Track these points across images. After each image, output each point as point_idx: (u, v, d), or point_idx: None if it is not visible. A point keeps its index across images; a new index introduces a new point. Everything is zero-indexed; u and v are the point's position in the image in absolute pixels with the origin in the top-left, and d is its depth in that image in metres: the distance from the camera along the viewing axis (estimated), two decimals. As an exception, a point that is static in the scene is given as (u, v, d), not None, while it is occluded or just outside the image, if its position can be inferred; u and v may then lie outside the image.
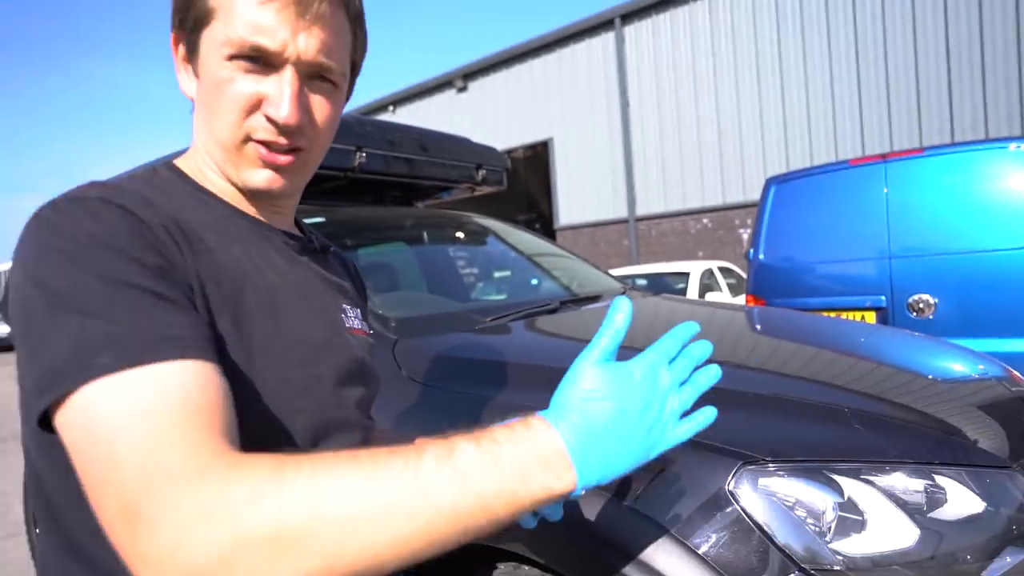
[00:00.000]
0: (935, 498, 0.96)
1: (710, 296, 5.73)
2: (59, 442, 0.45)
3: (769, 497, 0.90)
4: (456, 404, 1.25)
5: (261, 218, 0.66)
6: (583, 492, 0.50)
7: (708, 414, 0.59)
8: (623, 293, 2.33)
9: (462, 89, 14.82)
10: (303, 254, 0.69)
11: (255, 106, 0.57)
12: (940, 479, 0.98)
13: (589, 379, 0.53)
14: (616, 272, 7.18)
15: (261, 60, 0.56)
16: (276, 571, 0.39)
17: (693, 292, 5.86)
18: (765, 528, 0.88)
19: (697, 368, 0.60)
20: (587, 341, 1.38)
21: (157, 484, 0.39)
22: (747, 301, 3.91)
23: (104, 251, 0.47)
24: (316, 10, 0.56)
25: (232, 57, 0.56)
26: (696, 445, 0.97)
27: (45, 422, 0.45)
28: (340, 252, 0.86)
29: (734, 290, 6.38)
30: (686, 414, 0.58)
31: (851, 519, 0.91)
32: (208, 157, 0.63)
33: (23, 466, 2.61)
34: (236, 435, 0.45)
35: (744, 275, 6.54)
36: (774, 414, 1.08)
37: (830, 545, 0.88)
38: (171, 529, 0.39)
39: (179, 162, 0.65)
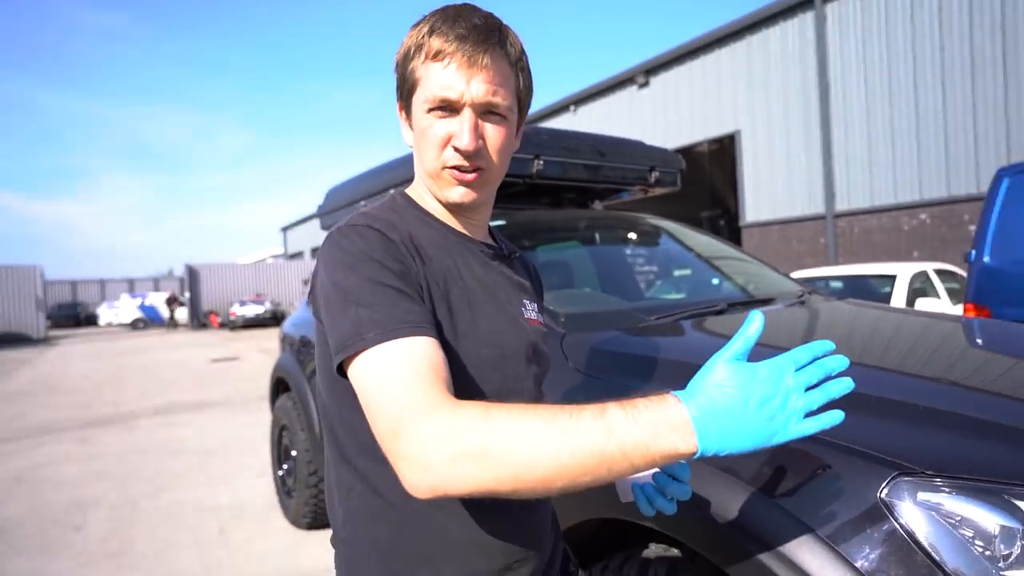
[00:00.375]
0: None
1: (921, 303, 5.02)
2: (346, 385, 0.72)
3: (930, 513, 0.88)
4: (614, 394, 1.36)
5: (465, 232, 0.87)
6: (703, 456, 0.61)
7: (834, 416, 0.64)
8: (801, 296, 2.24)
9: (643, 85, 14.61)
10: (494, 260, 0.90)
11: (447, 141, 0.78)
12: None
13: (719, 372, 0.63)
14: (808, 273, 6.62)
15: (448, 107, 0.77)
16: (480, 474, 0.59)
17: (900, 298, 5.18)
18: (927, 547, 0.86)
19: (830, 378, 0.66)
20: (759, 344, 1.47)
21: (408, 415, 0.62)
22: (966, 310, 3.42)
23: (370, 262, 0.73)
24: (481, 63, 0.75)
25: (430, 110, 0.77)
26: (851, 450, 0.97)
27: (340, 372, 0.71)
28: (523, 256, 1.05)
29: (956, 296, 5.51)
30: (812, 414, 0.64)
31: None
32: (424, 185, 0.86)
33: (270, 421, 3.25)
34: (452, 387, 0.67)
35: (970, 280, 5.66)
36: (947, 428, 1.02)
37: (1005, 574, 0.83)
38: (418, 443, 0.61)
39: (408, 191, 0.89)
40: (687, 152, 14.56)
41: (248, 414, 6.93)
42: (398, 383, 0.64)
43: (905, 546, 0.87)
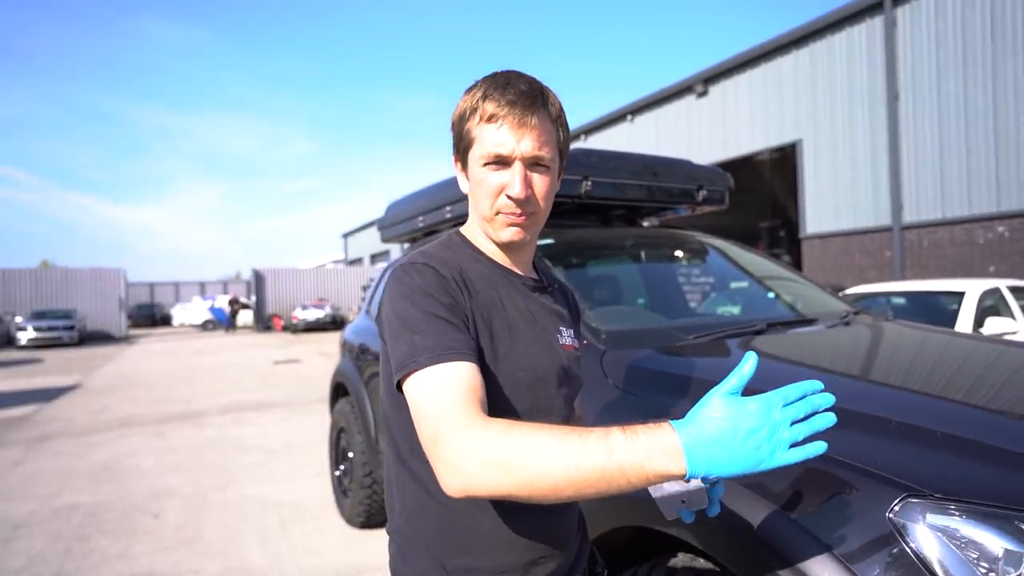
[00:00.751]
0: None
1: (991, 322, 4.79)
2: (402, 397, 0.85)
3: (938, 535, 0.93)
4: (648, 411, 1.44)
5: (511, 267, 1.00)
6: (694, 478, 0.70)
7: (817, 447, 0.72)
8: (846, 317, 2.24)
9: (702, 94, 14.44)
10: (535, 291, 1.01)
11: (501, 191, 0.91)
12: None
13: (713, 404, 0.72)
14: (869, 288, 6.40)
15: (501, 161, 0.90)
16: (502, 480, 0.71)
17: (968, 317, 4.96)
18: (932, 566, 0.91)
19: (816, 413, 0.74)
20: (780, 361, 1.57)
21: (446, 426, 0.75)
22: (1033, 332, 3.27)
23: (425, 296, 0.86)
24: (529, 123, 0.88)
25: (485, 164, 0.91)
26: (865, 472, 1.03)
27: (398, 387, 0.84)
28: (564, 285, 1.17)
29: (1031, 316, 5.21)
30: (798, 444, 0.72)
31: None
32: (478, 226, 0.99)
33: (329, 423, 3.47)
34: (486, 406, 0.79)
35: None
36: (962, 452, 1.06)
37: (1008, 596, 0.87)
38: (453, 451, 0.73)
39: (463, 230, 1.03)
40: (747, 161, 14.27)
41: (308, 415, 7.27)
42: (441, 399, 0.77)
43: (914, 567, 0.92)
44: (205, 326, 30.45)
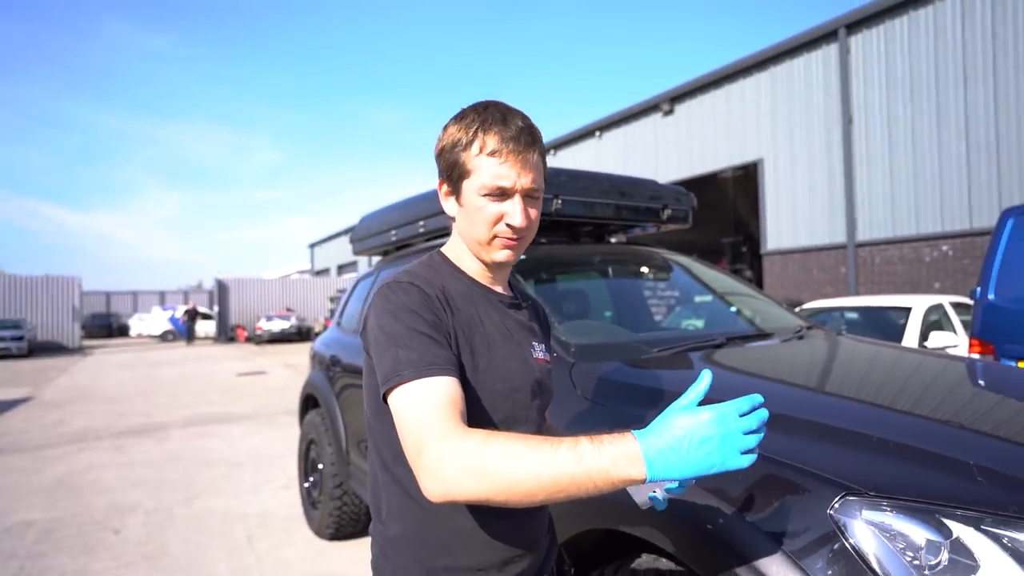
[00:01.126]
0: (1068, 560, 0.99)
1: (935, 336, 5.06)
2: (386, 408, 0.90)
3: (872, 528, 1.03)
4: (615, 421, 1.53)
5: (490, 285, 1.06)
6: (654, 482, 0.77)
7: (752, 457, 0.80)
8: (800, 331, 2.38)
9: (668, 112, 14.83)
10: (511, 308, 1.08)
11: (499, 219, 0.98)
12: (1075, 542, 1.00)
13: (671, 417, 0.80)
14: (825, 303, 6.67)
15: (501, 193, 0.96)
16: (479, 486, 0.77)
17: (914, 331, 5.23)
18: (865, 556, 1.01)
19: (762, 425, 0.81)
20: (738, 374, 1.70)
21: (428, 436, 0.80)
22: (971, 346, 3.50)
23: (409, 313, 0.91)
24: (530, 161, 0.97)
25: (485, 194, 0.97)
26: (810, 473, 1.13)
27: (384, 399, 0.89)
28: (536, 302, 1.24)
29: (970, 330, 5.53)
30: (750, 452, 0.80)
31: (963, 563, 0.99)
32: (465, 247, 1.05)
33: (298, 435, 3.49)
34: (465, 417, 0.85)
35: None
36: (895, 455, 1.18)
37: (930, 581, 0.98)
38: (434, 459, 0.79)
39: (444, 250, 1.09)
40: (711, 179, 14.69)
41: (274, 428, 7.18)
42: (423, 412, 0.82)
43: (852, 560, 1.02)
44: (164, 337, 29.62)
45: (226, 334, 27.18)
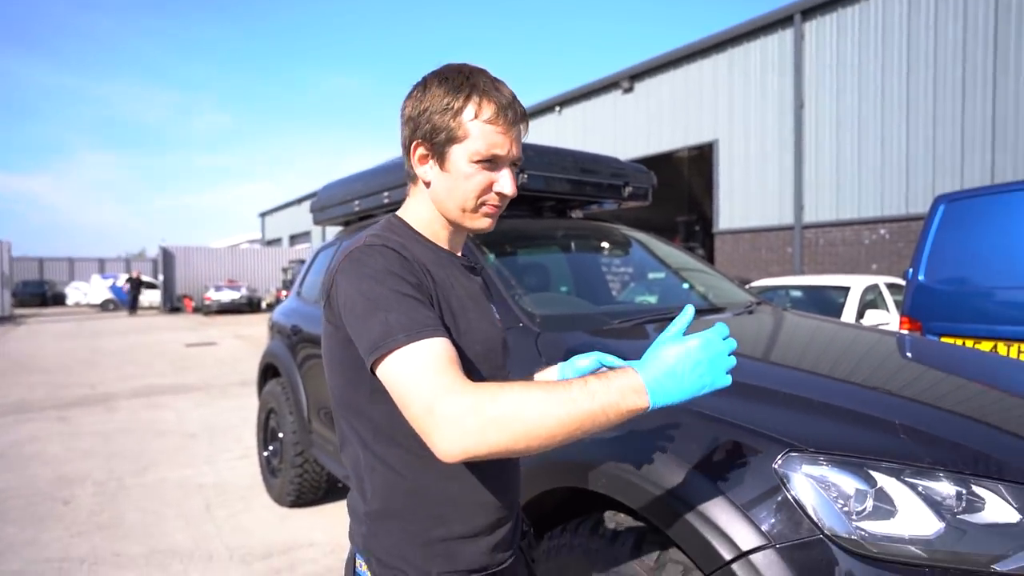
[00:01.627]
0: (973, 504, 1.14)
1: (870, 314, 5.40)
2: (363, 379, 0.88)
3: (809, 479, 1.15)
4: (579, 385, 1.61)
5: (451, 250, 1.05)
6: (656, 407, 0.82)
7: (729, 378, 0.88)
8: (750, 306, 2.52)
9: (628, 90, 14.95)
10: (469, 272, 1.08)
11: (488, 187, 0.97)
12: (980, 490, 1.15)
13: (661, 347, 0.85)
14: (772, 282, 6.98)
15: (493, 161, 0.96)
16: (502, 435, 0.75)
17: (852, 308, 5.56)
18: (802, 502, 1.14)
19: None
20: None
21: (440, 394, 0.77)
22: (901, 323, 3.77)
23: (392, 276, 0.87)
24: (521, 131, 0.98)
25: (477, 160, 0.95)
26: (757, 432, 1.25)
27: (371, 369, 0.84)
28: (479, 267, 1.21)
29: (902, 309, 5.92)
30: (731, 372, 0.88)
31: (884, 509, 1.13)
32: (434, 212, 1.02)
33: (257, 407, 3.49)
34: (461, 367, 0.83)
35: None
36: (830, 415, 1.31)
37: (855, 523, 1.11)
38: (452, 415, 0.75)
39: (400, 215, 1.05)
40: (668, 158, 14.95)
41: (227, 399, 7.07)
42: (428, 371, 0.78)
43: (792, 508, 1.14)
44: (106, 306, 28.37)
45: (172, 304, 26.27)
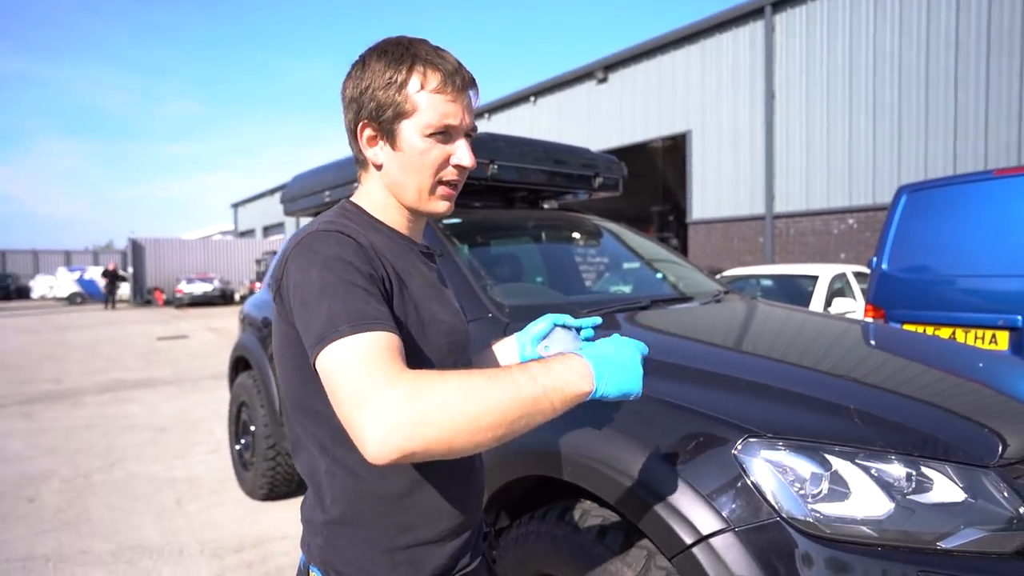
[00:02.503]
0: (922, 485, 1.18)
1: (837, 302, 5.53)
2: (304, 369, 0.81)
3: (767, 464, 1.19)
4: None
5: (409, 236, 0.99)
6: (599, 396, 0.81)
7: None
8: (718, 295, 2.56)
9: (602, 80, 14.97)
10: (428, 259, 1.01)
11: (446, 162, 0.91)
12: (928, 471, 1.19)
13: (607, 342, 0.86)
14: (743, 271, 7.10)
15: (447, 133, 0.90)
16: (441, 429, 0.67)
17: (820, 297, 5.69)
18: (760, 486, 1.17)
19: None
20: (659, 333, 1.82)
21: (372, 385, 0.69)
22: (866, 311, 3.86)
23: (342, 263, 0.80)
24: (472, 97, 0.93)
25: (431, 135, 0.89)
26: (715, 419, 1.28)
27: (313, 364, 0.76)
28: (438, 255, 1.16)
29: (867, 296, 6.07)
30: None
31: (839, 491, 1.16)
32: (389, 198, 0.95)
33: (228, 400, 3.42)
34: (407, 365, 0.75)
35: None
36: (788, 402, 1.34)
37: (811, 506, 1.14)
38: (384, 408, 0.67)
39: (355, 199, 0.98)
40: (641, 148, 15.02)
41: (198, 392, 6.96)
42: (364, 362, 0.71)
43: (751, 493, 1.17)
44: (73, 300, 27.65)
45: (143, 297, 25.70)
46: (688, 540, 1.18)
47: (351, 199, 0.99)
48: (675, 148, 14.97)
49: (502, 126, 17.57)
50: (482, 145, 2.59)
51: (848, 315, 5.22)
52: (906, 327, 3.59)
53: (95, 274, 28.61)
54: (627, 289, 3.19)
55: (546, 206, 3.52)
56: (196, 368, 8.74)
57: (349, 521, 0.89)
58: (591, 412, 1.47)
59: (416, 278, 0.94)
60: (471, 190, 2.94)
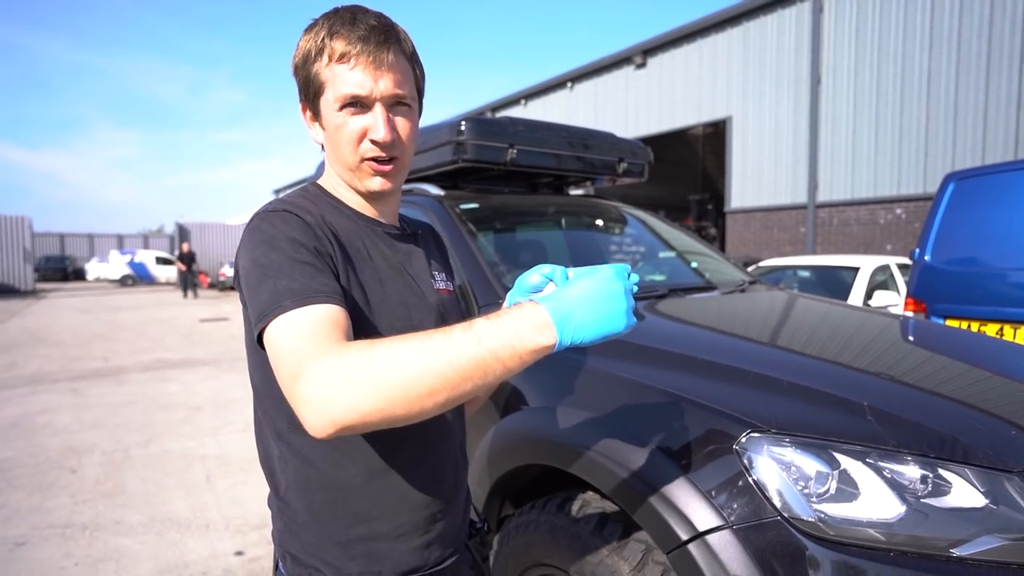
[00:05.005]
0: (939, 488, 1.11)
1: (879, 295, 5.30)
2: (263, 353, 0.77)
3: (771, 460, 1.13)
4: (560, 364, 1.58)
5: (375, 217, 0.95)
6: (564, 346, 0.70)
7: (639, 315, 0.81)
8: (742, 285, 2.48)
9: (641, 65, 14.65)
10: (401, 240, 0.97)
11: (363, 136, 0.85)
12: (946, 473, 1.12)
13: (575, 280, 0.74)
14: (781, 261, 6.88)
15: (359, 104, 0.84)
16: (374, 398, 0.65)
17: (860, 289, 5.46)
18: (762, 483, 1.12)
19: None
20: (681, 323, 1.72)
21: (306, 359, 0.68)
22: (906, 304, 3.69)
23: (289, 242, 0.79)
24: (386, 61, 0.83)
25: (342, 107, 0.84)
26: (719, 412, 1.22)
27: (260, 342, 0.76)
28: (432, 228, 1.12)
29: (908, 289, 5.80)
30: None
31: (847, 491, 1.10)
32: (339, 178, 0.93)
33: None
34: (351, 338, 0.73)
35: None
36: (797, 396, 1.27)
37: (816, 506, 1.09)
38: (315, 381, 0.66)
39: (320, 181, 0.96)
40: (681, 134, 14.69)
41: (235, 373, 7.17)
42: (301, 336, 0.70)
43: (752, 490, 1.12)
44: (124, 282, 28.82)
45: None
46: (684, 536, 1.14)
47: (317, 181, 0.97)
48: (716, 135, 14.61)
49: (538, 112, 17.42)
50: (501, 129, 2.56)
51: (888, 309, 5.00)
52: (949, 322, 3.41)
53: (145, 257, 29.69)
54: (660, 278, 3.12)
55: (576, 192, 3.46)
56: (234, 349, 9.00)
57: (304, 509, 0.87)
58: (591, 400, 1.44)
59: (375, 260, 0.90)
60: (493, 175, 2.91)
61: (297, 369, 0.68)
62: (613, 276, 0.73)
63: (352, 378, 0.65)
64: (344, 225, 0.89)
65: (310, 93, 0.87)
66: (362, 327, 0.82)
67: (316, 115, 0.90)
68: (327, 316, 0.72)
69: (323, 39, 0.84)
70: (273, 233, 0.80)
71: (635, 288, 0.79)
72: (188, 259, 20.72)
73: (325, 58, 0.84)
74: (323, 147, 0.93)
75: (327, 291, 0.75)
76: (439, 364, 0.66)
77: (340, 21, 0.84)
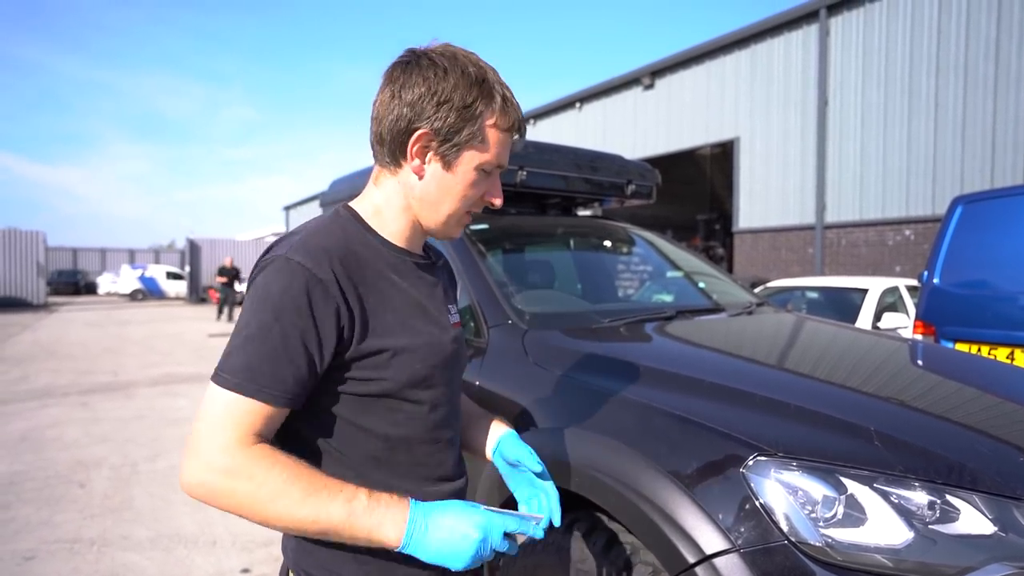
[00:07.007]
0: (947, 514, 1.11)
1: (888, 317, 5.27)
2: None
3: (778, 485, 1.14)
4: (563, 385, 1.61)
5: (406, 248, 0.95)
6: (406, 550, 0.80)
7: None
8: (749, 307, 2.49)
9: (649, 86, 14.80)
10: (423, 270, 0.98)
11: (482, 196, 0.94)
12: (954, 500, 1.12)
13: (453, 508, 0.83)
14: (789, 283, 6.86)
15: (492, 171, 0.93)
16: (236, 509, 0.77)
17: (869, 311, 5.44)
18: (769, 507, 1.12)
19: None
20: (689, 345, 1.73)
21: (203, 445, 0.77)
22: (915, 327, 3.68)
23: (277, 311, 0.80)
24: None
25: (481, 169, 0.90)
26: (726, 435, 1.23)
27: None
28: (445, 258, 1.14)
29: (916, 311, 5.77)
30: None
31: (854, 516, 1.11)
32: (401, 211, 0.93)
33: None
34: (268, 438, 0.81)
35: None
36: (804, 420, 1.28)
37: (823, 531, 1.09)
38: (200, 461, 0.77)
39: (354, 204, 0.95)
40: (689, 155, 14.77)
41: (243, 389, 7.19)
42: (221, 417, 0.78)
43: (759, 514, 1.13)
44: (135, 296, 29.06)
45: (197, 294, 26.79)
46: (691, 559, 1.14)
47: (351, 204, 0.96)
48: (723, 155, 14.67)
49: (547, 132, 17.57)
50: (512, 152, 2.60)
51: (897, 331, 4.98)
52: (958, 346, 3.40)
53: (156, 272, 29.94)
54: (668, 298, 3.13)
55: (586, 213, 3.49)
56: (243, 365, 9.02)
57: (308, 559, 0.91)
58: (600, 421, 1.45)
59: (396, 300, 0.90)
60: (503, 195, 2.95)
61: (201, 442, 0.77)
62: (479, 525, 0.81)
63: (232, 489, 0.76)
64: (369, 261, 0.89)
65: (459, 140, 0.87)
66: (385, 372, 0.87)
67: (442, 156, 0.88)
68: (252, 411, 0.79)
69: (492, 99, 0.88)
70: (272, 294, 0.81)
71: (505, 546, 0.84)
72: (232, 273, 17.34)
73: (492, 119, 0.88)
74: (417, 175, 0.90)
75: (272, 387, 0.79)
76: (304, 518, 0.77)
77: (504, 88, 0.90)
